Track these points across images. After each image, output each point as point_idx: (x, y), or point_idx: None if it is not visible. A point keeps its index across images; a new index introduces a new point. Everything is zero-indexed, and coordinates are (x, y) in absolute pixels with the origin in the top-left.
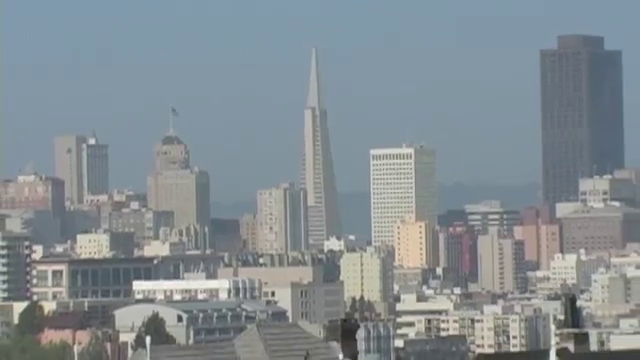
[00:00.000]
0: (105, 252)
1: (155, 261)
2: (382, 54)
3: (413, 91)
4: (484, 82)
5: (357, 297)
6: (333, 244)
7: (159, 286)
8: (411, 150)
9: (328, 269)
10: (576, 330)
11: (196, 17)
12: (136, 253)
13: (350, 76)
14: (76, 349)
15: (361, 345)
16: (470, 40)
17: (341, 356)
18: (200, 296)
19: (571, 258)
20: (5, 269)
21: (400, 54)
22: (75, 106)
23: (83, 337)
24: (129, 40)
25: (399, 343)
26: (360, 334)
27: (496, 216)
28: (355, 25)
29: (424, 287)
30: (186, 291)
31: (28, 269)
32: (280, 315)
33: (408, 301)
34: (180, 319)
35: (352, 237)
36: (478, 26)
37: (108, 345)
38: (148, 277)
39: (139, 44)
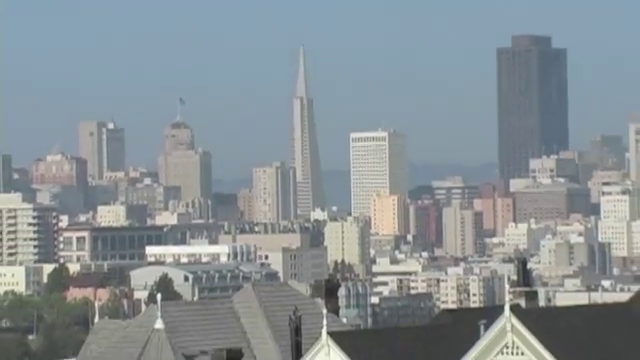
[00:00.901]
0: (122, 221)
1: (165, 229)
2: (360, 52)
3: (388, 83)
4: (450, 76)
5: (338, 260)
6: (318, 214)
7: (168, 251)
8: (385, 134)
9: (314, 236)
10: (527, 289)
11: (200, 17)
12: (148, 222)
13: (333, 70)
14: (97, 305)
15: (342, 302)
16: (439, 39)
17: (324, 311)
18: (204, 259)
19: (523, 227)
20: (36, 236)
21: (376, 51)
22: (96, 95)
23: (103, 294)
24: (140, 37)
25: (375, 300)
26: (341, 292)
27: (458, 191)
28: (339, 26)
29: (396, 252)
30: (191, 255)
31: (55, 236)
32: (272, 275)
33: (382, 264)
34: (186, 279)
35: (334, 208)
36: (443, 26)
37: (124, 301)
38: (159, 243)
39: (150, 40)
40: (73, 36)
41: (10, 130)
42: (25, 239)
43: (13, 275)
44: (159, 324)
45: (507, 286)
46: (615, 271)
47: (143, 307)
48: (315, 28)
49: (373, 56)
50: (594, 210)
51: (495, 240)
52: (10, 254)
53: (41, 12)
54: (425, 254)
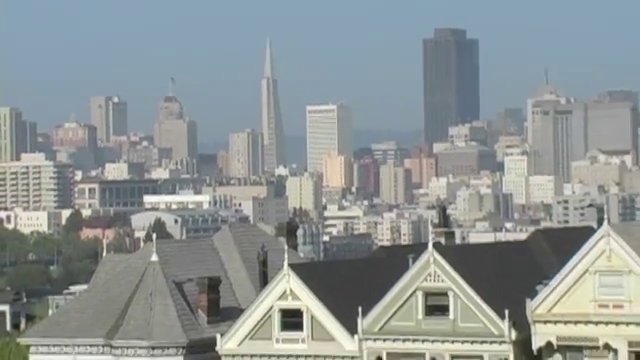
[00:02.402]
0: (125, 175)
1: (159, 182)
2: (316, 39)
3: (338, 66)
4: (386, 61)
5: (297, 207)
6: (281, 171)
7: (161, 199)
8: (334, 107)
9: (277, 188)
10: (446, 229)
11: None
12: (146, 176)
13: (294, 55)
14: (104, 242)
15: (299, 240)
16: (378, 31)
17: (286, 247)
18: (190, 206)
19: (443, 180)
20: (56, 187)
21: (330, 40)
22: (105, 74)
23: (109, 234)
24: (139, 24)
25: (326, 238)
26: (299, 232)
27: (392, 152)
28: (300, 18)
29: (343, 200)
30: (180, 203)
31: (71, 187)
32: (244, 219)
33: (332, 210)
34: (176, 222)
35: (294, 166)
36: (381, 20)
37: (127, 239)
38: (154, 193)
39: (150, 28)
40: (87, 24)
41: (35, 102)
42: (47, 189)
43: (38, 218)
44: (154, 257)
45: (430, 227)
46: (516, 216)
47: (141, 244)
48: (280, 22)
49: (328, 44)
50: (499, 167)
51: (421, 191)
52: (35, 202)
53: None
54: (365, 202)
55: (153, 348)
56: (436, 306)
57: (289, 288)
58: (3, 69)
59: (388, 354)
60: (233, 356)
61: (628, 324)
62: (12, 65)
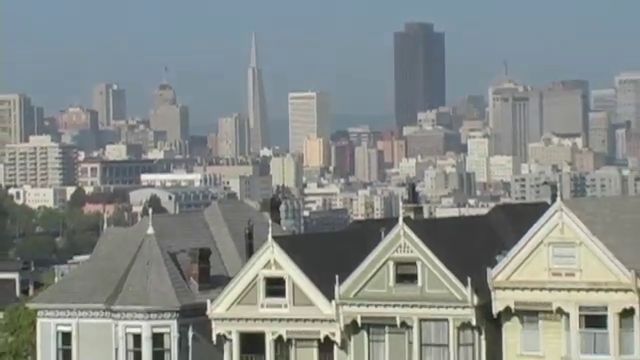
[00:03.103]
0: (123, 156)
1: (154, 162)
2: (300, 31)
3: (318, 57)
4: (362, 52)
5: (280, 185)
6: (265, 152)
7: (157, 177)
8: (314, 94)
9: (262, 167)
10: (414, 205)
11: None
12: (143, 157)
13: (277, 47)
14: (105, 216)
15: (282, 214)
16: (353, 25)
17: (270, 221)
18: (182, 184)
19: (412, 161)
20: (61, 166)
21: (310, 32)
22: (105, 64)
23: (110, 209)
24: (138, 19)
25: (306, 213)
26: (282, 208)
27: (366, 135)
28: (284, 13)
29: (321, 178)
30: (174, 181)
31: (75, 166)
32: (232, 195)
33: (311, 187)
34: (170, 198)
35: (277, 147)
36: (356, 15)
37: (125, 214)
38: (150, 172)
39: (146, 22)
40: (91, 20)
41: (41, 89)
42: (53, 168)
43: (44, 194)
44: (150, 230)
45: (401, 203)
46: (478, 192)
47: (139, 218)
48: (266, 18)
49: (310, 37)
50: (463, 149)
51: (392, 170)
52: (42, 179)
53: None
54: (342, 180)
55: (149, 312)
56: (405, 274)
57: (273, 258)
58: (14, 59)
59: (362, 317)
60: (222, 319)
61: (579, 290)
62: (22, 55)
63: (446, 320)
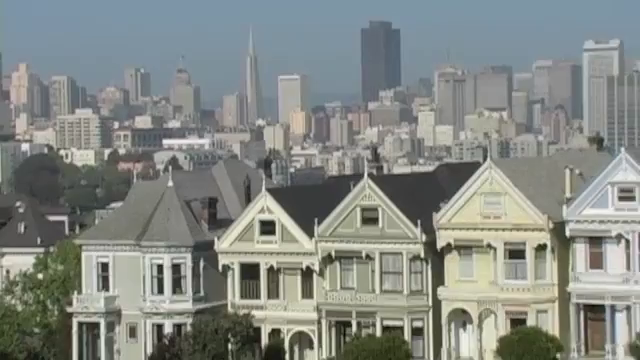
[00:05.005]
0: (149, 125)
1: (173, 130)
2: (290, 24)
3: (299, 44)
4: (335, 44)
5: (271, 148)
6: (260, 122)
7: (175, 142)
8: (298, 76)
9: (258, 135)
10: (377, 164)
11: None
12: (164, 126)
13: (271, 38)
14: (135, 172)
15: (273, 171)
16: (328, 19)
17: (264, 176)
18: (195, 147)
19: (375, 129)
20: (100, 133)
21: (297, 25)
22: (135, 51)
23: (138, 167)
24: (160, 15)
25: (292, 170)
26: (273, 166)
27: (339, 109)
28: (279, 7)
29: (304, 143)
30: (189, 145)
31: (111, 133)
32: (235, 156)
33: (296, 150)
34: (185, 158)
35: (269, 119)
36: (331, 12)
37: (151, 170)
38: (170, 137)
39: (166, 17)
40: (125, 14)
41: (84, 71)
42: (94, 135)
43: (87, 155)
44: (170, 183)
45: (366, 163)
46: (426, 154)
47: (161, 174)
48: (261, 12)
49: (295, 29)
50: (415, 120)
51: (360, 137)
52: (85, 143)
53: None
54: (320, 144)
55: (169, 247)
56: (370, 218)
57: (266, 205)
58: (63, 47)
59: (336, 251)
60: (226, 253)
61: (504, 230)
62: (70, 43)
63: (401, 253)
